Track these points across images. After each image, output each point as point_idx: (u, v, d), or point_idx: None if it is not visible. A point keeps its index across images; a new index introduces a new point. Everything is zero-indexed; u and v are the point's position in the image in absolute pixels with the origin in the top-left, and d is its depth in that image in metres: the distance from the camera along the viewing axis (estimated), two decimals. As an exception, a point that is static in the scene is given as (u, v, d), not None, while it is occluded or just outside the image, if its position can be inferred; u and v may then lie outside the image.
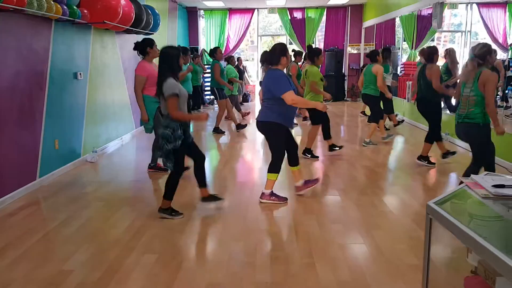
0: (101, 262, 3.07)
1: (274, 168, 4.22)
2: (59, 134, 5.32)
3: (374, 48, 11.86)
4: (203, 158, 4.05)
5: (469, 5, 9.74)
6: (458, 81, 4.28)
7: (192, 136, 3.96)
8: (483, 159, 4.14)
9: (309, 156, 6.03)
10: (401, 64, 11.57)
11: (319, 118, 6.01)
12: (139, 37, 8.05)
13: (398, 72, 11.49)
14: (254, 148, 7.18)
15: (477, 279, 1.74)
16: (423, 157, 5.67)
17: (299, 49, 10.02)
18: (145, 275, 2.88)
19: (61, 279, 2.83)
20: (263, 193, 4.29)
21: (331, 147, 6.28)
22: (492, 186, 1.81)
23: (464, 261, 1.77)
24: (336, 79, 13.10)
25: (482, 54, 3.93)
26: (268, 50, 4.22)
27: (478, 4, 9.61)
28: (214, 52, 8.05)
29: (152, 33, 8.06)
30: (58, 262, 3.07)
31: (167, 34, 10.53)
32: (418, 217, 3.83)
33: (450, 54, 7.28)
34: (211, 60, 8.32)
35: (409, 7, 9.30)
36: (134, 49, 5.08)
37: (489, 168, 4.31)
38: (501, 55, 9.11)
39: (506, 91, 8.50)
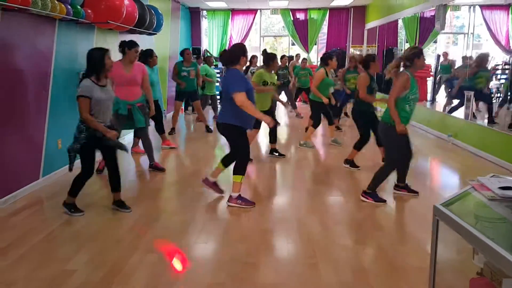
0: (103, 261, 3.06)
1: (239, 170, 4.14)
2: (62, 134, 5.32)
3: (369, 52, 11.87)
4: (113, 169, 4.02)
5: (472, 7, 9.73)
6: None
7: (111, 142, 3.81)
8: (396, 160, 4.19)
9: (277, 154, 6.16)
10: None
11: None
12: (142, 37, 8.08)
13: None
14: (255, 147, 7.17)
15: (483, 280, 1.73)
16: (348, 161, 5.66)
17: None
18: (148, 275, 2.88)
19: (64, 279, 2.82)
20: (230, 196, 4.21)
21: (272, 151, 6.25)
22: (499, 188, 1.81)
23: (470, 263, 1.76)
24: (338, 80, 13.10)
25: (409, 57, 3.95)
26: (226, 50, 4.16)
27: (481, 6, 9.59)
28: (182, 53, 7.85)
29: (155, 33, 8.07)
30: (60, 261, 3.06)
31: (170, 35, 10.54)
32: (421, 219, 3.82)
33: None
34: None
35: (412, 9, 9.30)
36: (120, 46, 5.09)
37: (400, 176, 4.45)
38: (504, 57, 9.09)
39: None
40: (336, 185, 4.91)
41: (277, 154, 6.22)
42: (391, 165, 4.19)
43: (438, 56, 10.66)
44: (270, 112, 5.80)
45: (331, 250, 3.24)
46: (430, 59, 11.63)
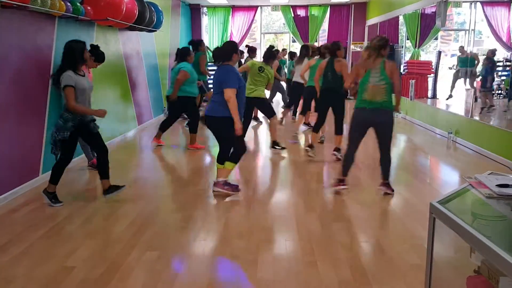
0: (103, 259, 3.07)
1: (234, 158, 4.32)
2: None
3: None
4: (105, 151, 4.18)
5: (473, 3, 9.69)
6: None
7: (97, 128, 4.13)
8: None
9: (279, 148, 6.29)
10: (404, 63, 11.52)
11: (270, 111, 6.23)
12: (142, 34, 8.08)
13: (401, 71, 11.44)
14: (256, 145, 7.17)
15: (479, 278, 1.72)
16: (338, 149, 5.86)
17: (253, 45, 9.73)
18: (147, 272, 2.88)
19: (64, 276, 2.83)
20: (217, 182, 4.36)
21: (274, 144, 6.41)
22: (496, 185, 1.80)
23: (467, 261, 1.76)
24: (339, 77, 13.06)
25: (379, 47, 4.12)
26: (219, 47, 4.39)
27: (482, 2, 9.56)
28: (198, 45, 7.80)
29: (155, 30, 8.06)
30: (60, 258, 3.07)
31: (170, 32, 10.52)
32: (420, 216, 3.82)
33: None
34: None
35: (413, 5, 9.27)
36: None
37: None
38: (505, 54, 9.07)
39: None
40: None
41: (279, 147, 6.35)
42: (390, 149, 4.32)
43: (439, 52, 10.62)
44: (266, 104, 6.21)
45: (330, 248, 3.25)
46: (431, 56, 11.60)
